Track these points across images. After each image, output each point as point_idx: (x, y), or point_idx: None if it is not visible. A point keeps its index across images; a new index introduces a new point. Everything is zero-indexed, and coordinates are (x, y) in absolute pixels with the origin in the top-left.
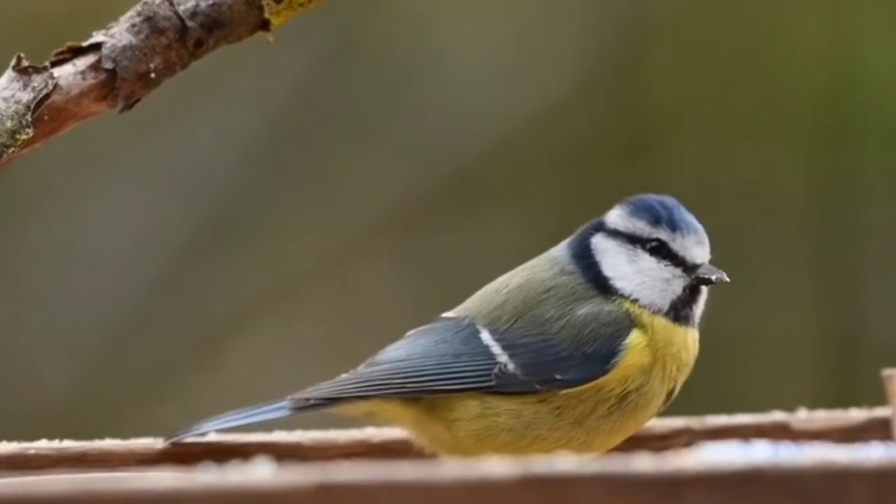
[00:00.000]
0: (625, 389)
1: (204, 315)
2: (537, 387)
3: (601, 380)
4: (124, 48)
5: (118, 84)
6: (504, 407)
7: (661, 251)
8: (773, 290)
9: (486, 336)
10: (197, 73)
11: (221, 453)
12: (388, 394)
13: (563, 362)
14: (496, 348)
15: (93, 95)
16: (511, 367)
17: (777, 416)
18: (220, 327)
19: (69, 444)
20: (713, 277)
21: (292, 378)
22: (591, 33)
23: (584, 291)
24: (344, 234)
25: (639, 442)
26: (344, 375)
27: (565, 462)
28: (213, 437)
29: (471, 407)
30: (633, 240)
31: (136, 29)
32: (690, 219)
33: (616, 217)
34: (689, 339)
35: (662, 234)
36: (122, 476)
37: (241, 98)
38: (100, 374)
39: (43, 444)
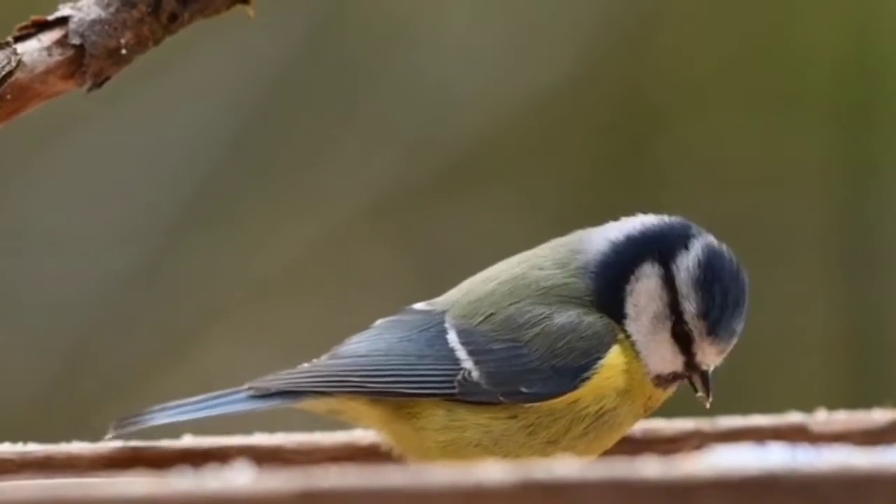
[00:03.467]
0: (601, 408)
1: (179, 310)
2: (501, 398)
3: (573, 395)
4: (93, 22)
5: (86, 61)
6: (472, 420)
7: (684, 339)
8: (789, 282)
9: (452, 337)
10: (172, 47)
11: (198, 457)
12: (347, 392)
13: (531, 374)
14: (462, 353)
15: (59, 73)
16: (475, 374)
17: (794, 417)
18: (197, 322)
19: (33, 448)
20: (698, 393)
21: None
22: (598, 7)
23: (574, 300)
24: (330, 220)
25: (646, 445)
26: (305, 366)
27: (567, 467)
28: (188, 440)
29: (437, 417)
30: (674, 305)
31: (105, 2)
32: (735, 321)
33: (687, 267)
34: (661, 395)
35: (697, 328)
36: (89, 482)
37: (219, 76)
38: (67, 371)
39: (5, 448)
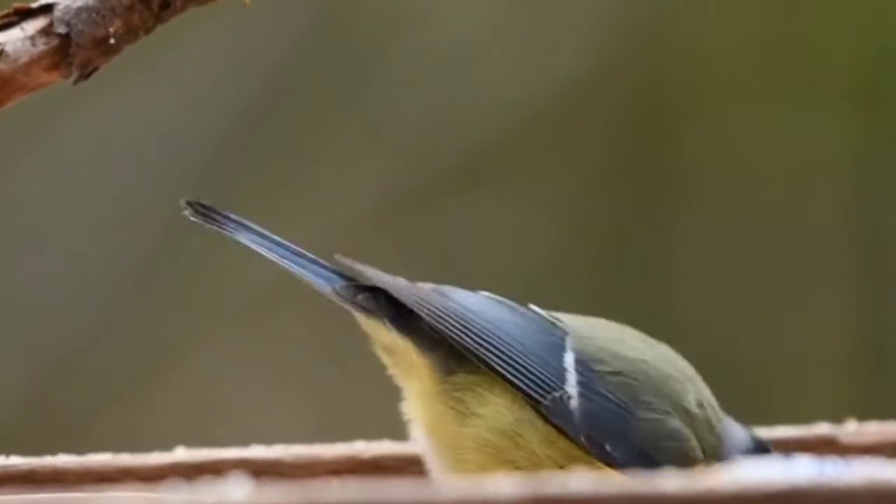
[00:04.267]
0: None
1: (172, 315)
2: (582, 439)
3: None
4: (79, 10)
5: (73, 51)
6: (531, 447)
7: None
8: (813, 284)
9: (569, 358)
10: (163, 38)
11: (191, 470)
12: (438, 328)
13: (622, 442)
14: (572, 376)
15: (44, 64)
16: (573, 403)
17: (822, 428)
18: (191, 328)
19: (17, 461)
20: None
21: (267, 386)
22: (614, 2)
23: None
24: (332, 220)
25: None
26: (402, 281)
27: (581, 481)
28: (181, 453)
29: (504, 416)
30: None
31: None
32: None
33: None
34: None
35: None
36: (76, 497)
37: (215, 69)
38: (51, 381)
39: None
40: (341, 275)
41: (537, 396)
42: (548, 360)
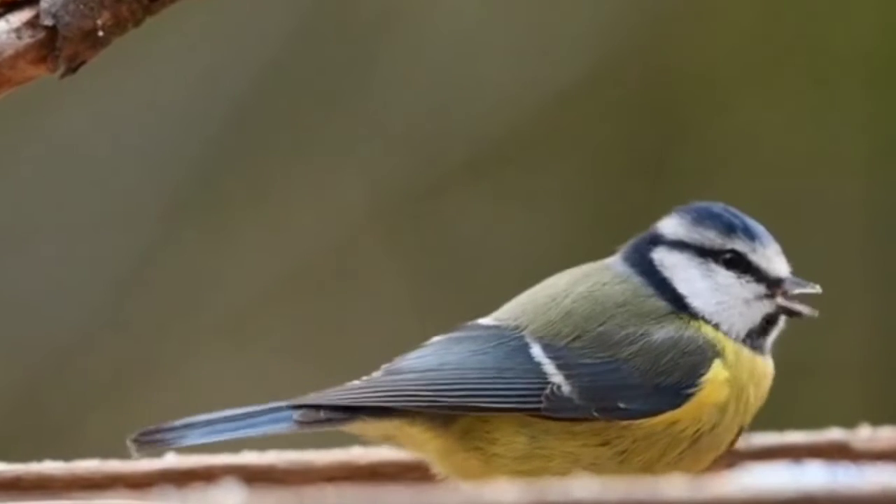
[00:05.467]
0: (698, 430)
1: (164, 319)
2: (595, 414)
3: (672, 415)
4: (67, 1)
5: (59, 44)
6: (559, 449)
7: (738, 264)
8: (826, 288)
9: (537, 351)
10: (156, 33)
11: (181, 476)
12: (417, 407)
13: (630, 390)
14: (549, 366)
15: (30, 57)
16: (566, 389)
17: (835, 433)
18: (184, 332)
19: (1, 468)
20: (803, 311)
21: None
22: None
23: (658, 311)
24: (332, 220)
25: None
26: (356, 383)
27: (585, 487)
28: (171, 459)
29: (518, 444)
30: (702, 252)
31: None
32: (750, 219)
33: (676, 227)
34: (767, 371)
35: (739, 245)
36: None
37: (211, 61)
38: (38, 385)
39: None
40: (294, 406)
41: (533, 405)
42: (521, 364)
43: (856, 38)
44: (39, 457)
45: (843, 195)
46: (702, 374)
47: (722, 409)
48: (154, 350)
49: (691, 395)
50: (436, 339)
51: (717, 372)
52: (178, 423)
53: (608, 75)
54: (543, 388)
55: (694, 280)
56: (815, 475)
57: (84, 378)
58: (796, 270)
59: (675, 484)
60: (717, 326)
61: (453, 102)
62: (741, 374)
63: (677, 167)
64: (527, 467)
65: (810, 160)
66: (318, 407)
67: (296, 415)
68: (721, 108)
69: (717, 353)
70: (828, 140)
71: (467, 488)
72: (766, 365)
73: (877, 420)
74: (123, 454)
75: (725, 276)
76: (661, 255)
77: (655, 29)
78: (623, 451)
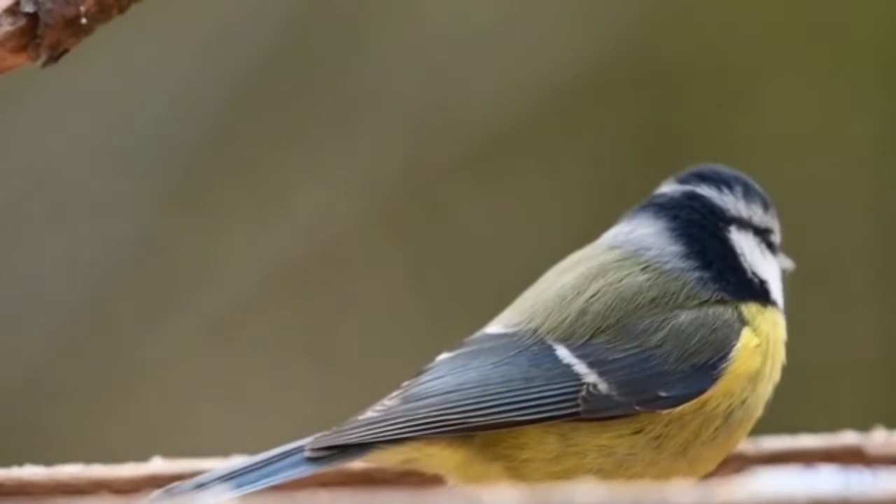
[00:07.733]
0: (730, 405)
1: (156, 319)
2: (637, 408)
3: (706, 395)
4: None
5: (41, 31)
6: (592, 443)
7: (772, 245)
8: (842, 281)
9: (563, 353)
10: (149, 20)
11: (168, 481)
12: (444, 433)
13: (667, 377)
14: (580, 366)
15: (10, 45)
16: (603, 387)
17: (848, 437)
18: (164, 340)
19: None
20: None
21: (250, 394)
22: None
23: (696, 294)
24: (333, 218)
25: None
26: (371, 414)
27: (588, 492)
28: (157, 464)
29: (548, 445)
30: (758, 232)
31: None
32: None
33: (738, 204)
34: (783, 321)
35: (773, 224)
36: None
37: (209, 51)
38: (19, 389)
39: None
40: (306, 448)
41: (570, 410)
42: (548, 370)
43: (872, 28)
44: (20, 461)
45: (856, 194)
46: (733, 345)
47: (753, 377)
48: (139, 355)
49: (724, 369)
50: (444, 356)
51: (747, 339)
52: (199, 479)
53: (612, 69)
54: (578, 391)
55: (764, 266)
56: (828, 480)
57: (65, 383)
58: (809, 270)
59: (683, 490)
60: (767, 306)
61: (453, 95)
62: (770, 334)
63: (683, 163)
64: (561, 468)
65: (821, 153)
66: (327, 448)
67: (312, 456)
68: (740, 95)
69: (744, 322)
70: (840, 136)
71: (464, 492)
72: (781, 315)
73: (892, 424)
74: (108, 459)
75: (771, 260)
76: (737, 237)
77: (662, 21)
78: (658, 437)
